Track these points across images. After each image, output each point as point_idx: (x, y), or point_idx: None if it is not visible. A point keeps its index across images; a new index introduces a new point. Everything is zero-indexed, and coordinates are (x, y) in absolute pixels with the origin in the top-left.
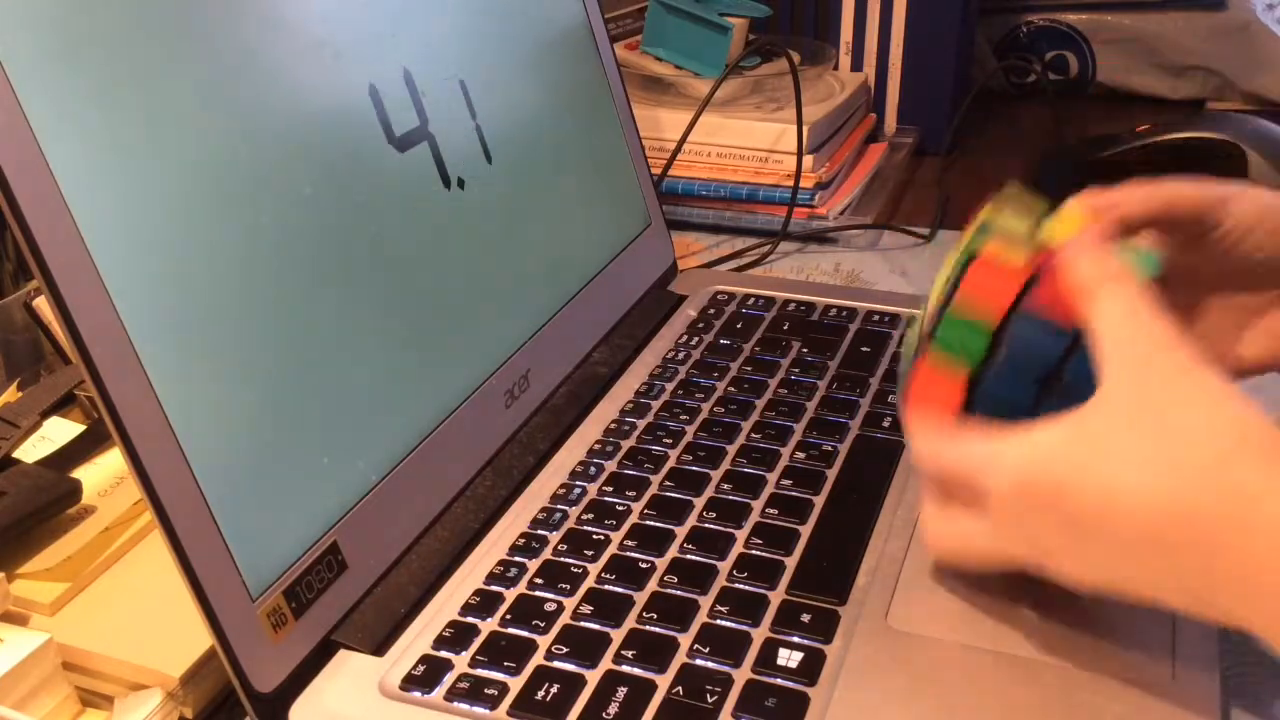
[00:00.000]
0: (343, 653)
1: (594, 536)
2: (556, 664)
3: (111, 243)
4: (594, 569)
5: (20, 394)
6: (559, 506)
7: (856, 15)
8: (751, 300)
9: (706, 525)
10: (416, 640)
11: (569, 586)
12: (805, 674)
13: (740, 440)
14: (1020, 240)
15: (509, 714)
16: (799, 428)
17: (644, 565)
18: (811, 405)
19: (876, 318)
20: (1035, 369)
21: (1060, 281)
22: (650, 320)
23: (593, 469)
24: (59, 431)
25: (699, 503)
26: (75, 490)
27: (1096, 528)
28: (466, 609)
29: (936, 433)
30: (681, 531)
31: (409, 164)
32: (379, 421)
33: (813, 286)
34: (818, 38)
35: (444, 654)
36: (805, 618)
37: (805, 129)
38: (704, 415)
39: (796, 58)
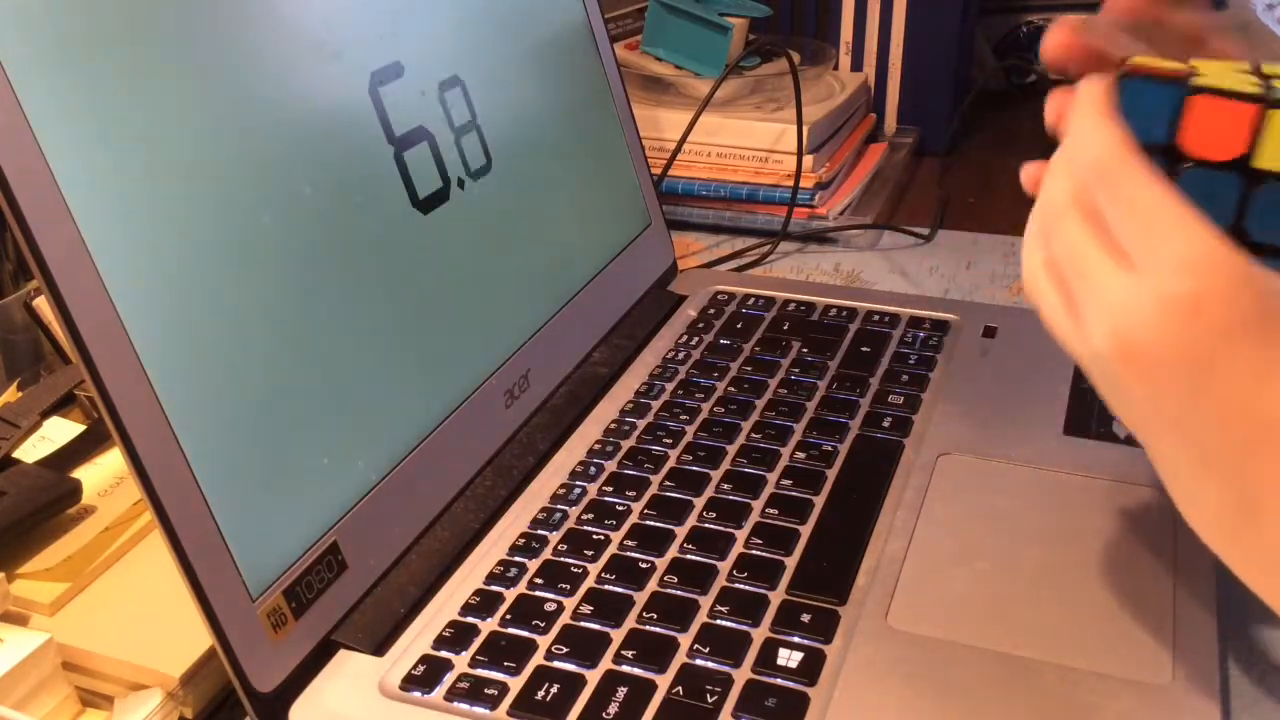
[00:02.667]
0: (343, 653)
1: (594, 536)
2: (556, 664)
3: (111, 243)
4: (594, 569)
5: (20, 394)
6: (559, 506)
7: (856, 15)
8: (751, 300)
9: (706, 525)
10: (416, 640)
11: (569, 586)
12: (805, 674)
13: (740, 440)
14: None
15: (509, 714)
16: (799, 428)
17: (644, 565)
18: (811, 405)
19: (876, 318)
20: None
21: None
22: (650, 320)
23: (593, 469)
24: (59, 431)
25: (699, 503)
26: (75, 490)
27: (1224, 400)
28: (466, 609)
29: (1136, 153)
30: (681, 531)
31: (408, 164)
32: (379, 421)
33: (813, 286)
34: (818, 38)
35: (444, 654)
36: (805, 618)
37: (805, 129)
38: (704, 415)
39: (796, 58)
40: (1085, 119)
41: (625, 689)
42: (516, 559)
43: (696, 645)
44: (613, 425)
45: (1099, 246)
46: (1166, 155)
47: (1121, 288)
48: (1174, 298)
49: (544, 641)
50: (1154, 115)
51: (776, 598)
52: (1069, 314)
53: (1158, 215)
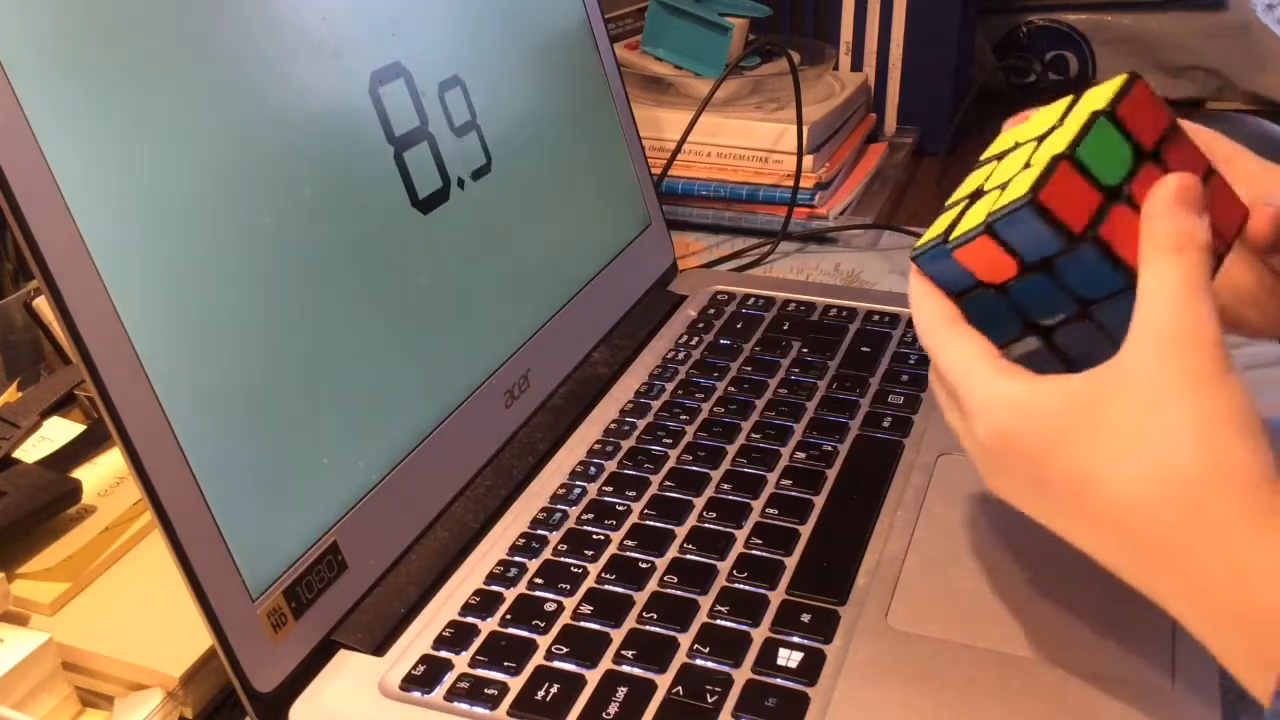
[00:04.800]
0: (343, 653)
1: (594, 536)
2: (556, 664)
3: (111, 243)
4: (594, 569)
5: (20, 394)
6: (559, 506)
7: (856, 15)
8: (751, 300)
9: (706, 525)
10: (416, 640)
11: (569, 586)
12: (805, 674)
13: (740, 440)
14: (1116, 159)
15: (509, 714)
16: (799, 428)
17: (644, 565)
18: (811, 405)
19: (876, 318)
20: (1080, 293)
21: (1136, 225)
22: (650, 320)
23: (593, 469)
24: (59, 431)
25: (699, 503)
26: (75, 490)
27: (1068, 500)
28: (466, 609)
29: (946, 321)
30: (681, 531)
31: (408, 164)
32: (379, 421)
33: (813, 286)
34: (818, 38)
35: (444, 654)
36: (805, 618)
37: (805, 129)
38: (704, 415)
39: (796, 58)
40: (912, 292)
41: (625, 689)
42: (516, 559)
43: (696, 645)
44: (613, 425)
45: (945, 391)
46: (984, 285)
47: (964, 424)
48: (985, 440)
49: (544, 641)
50: (949, 274)
51: (776, 598)
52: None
53: (959, 374)
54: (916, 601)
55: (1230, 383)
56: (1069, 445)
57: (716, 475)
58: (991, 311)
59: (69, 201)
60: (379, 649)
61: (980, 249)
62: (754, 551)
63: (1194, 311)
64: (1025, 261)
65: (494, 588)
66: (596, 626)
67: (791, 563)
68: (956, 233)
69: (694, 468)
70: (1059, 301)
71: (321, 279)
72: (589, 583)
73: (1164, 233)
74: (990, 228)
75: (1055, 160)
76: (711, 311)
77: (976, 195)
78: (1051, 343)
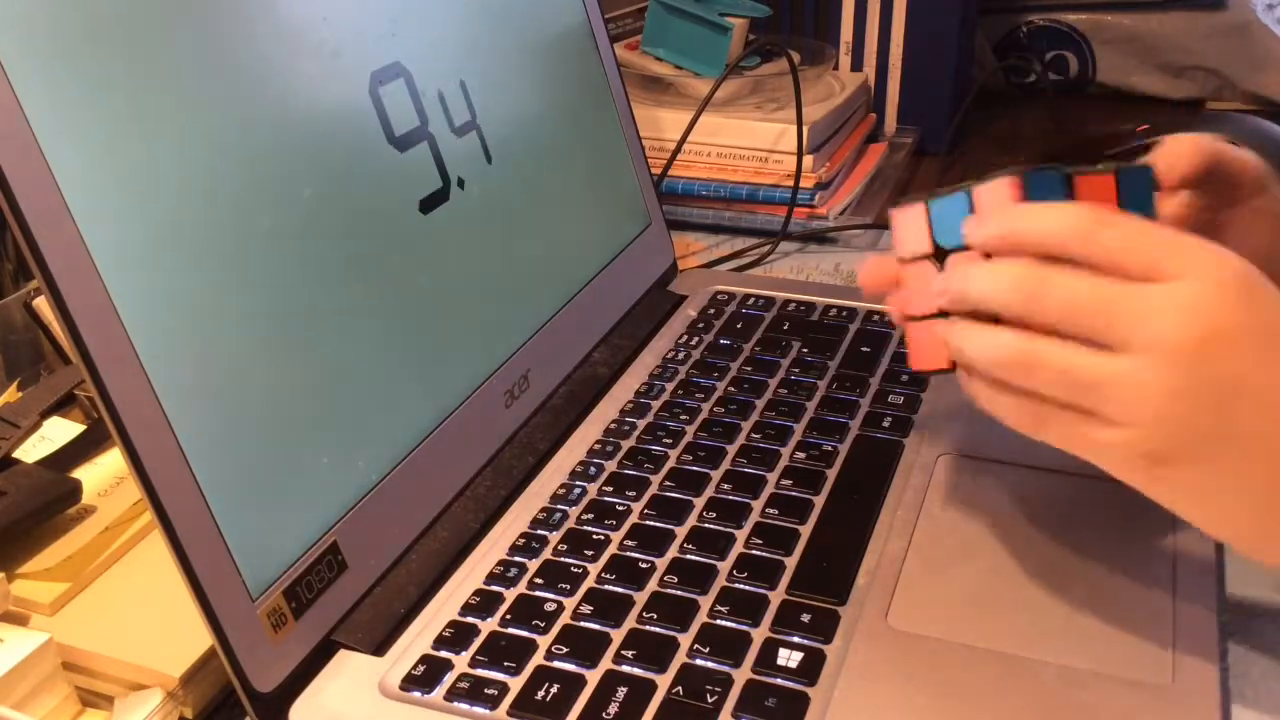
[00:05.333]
0: (343, 653)
1: (594, 536)
2: (556, 664)
3: (111, 243)
4: (594, 569)
5: (20, 394)
6: (559, 506)
7: (856, 15)
8: (751, 300)
9: (706, 525)
10: (416, 640)
11: (569, 586)
12: (805, 674)
13: (740, 440)
14: None
15: (509, 714)
16: (799, 428)
17: (644, 565)
18: (811, 405)
19: (876, 318)
20: None
21: None
22: (650, 320)
23: (593, 469)
24: (59, 431)
25: (699, 503)
26: (75, 490)
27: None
28: (466, 609)
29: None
30: (681, 531)
31: (408, 164)
32: (379, 421)
33: (813, 286)
34: (818, 38)
35: (444, 654)
36: (805, 618)
37: (805, 129)
38: (704, 415)
39: (796, 58)
40: (1024, 215)
41: (625, 689)
42: (516, 559)
43: (696, 645)
44: (613, 425)
45: (1114, 285)
46: None
47: (1166, 294)
48: (1228, 280)
49: (544, 641)
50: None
51: (776, 598)
52: (1084, 418)
53: (1164, 234)
54: (916, 601)
55: None
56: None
57: (716, 475)
58: None
59: (69, 201)
60: (379, 649)
61: (1097, 186)
62: (754, 551)
63: None
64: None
65: (494, 588)
66: (596, 626)
67: (791, 563)
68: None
69: (694, 468)
70: None
71: (322, 279)
72: (589, 583)
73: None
74: (1118, 171)
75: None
76: (711, 311)
77: None
78: None
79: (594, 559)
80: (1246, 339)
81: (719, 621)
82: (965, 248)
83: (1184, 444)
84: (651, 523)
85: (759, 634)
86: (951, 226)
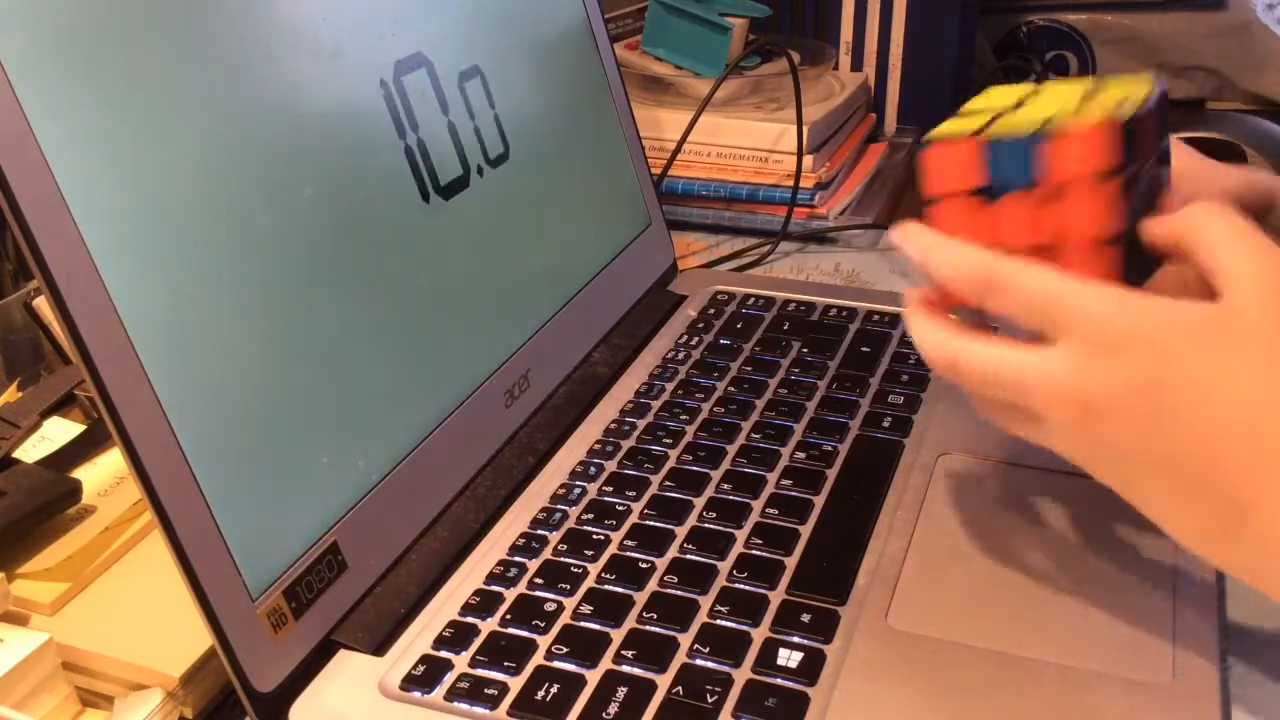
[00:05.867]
0: (343, 653)
1: (594, 536)
2: (556, 664)
3: (111, 243)
4: (594, 569)
5: (20, 394)
6: (559, 506)
7: (856, 15)
8: (751, 300)
9: (706, 525)
10: (416, 640)
11: (569, 586)
12: (805, 674)
13: (740, 440)
14: None
15: (509, 714)
16: (799, 428)
17: (644, 565)
18: (811, 405)
19: (876, 318)
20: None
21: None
22: (650, 320)
23: (593, 469)
24: (59, 431)
25: (699, 503)
26: (75, 490)
27: (1186, 404)
28: (466, 609)
29: (993, 258)
30: (681, 531)
31: (427, 153)
32: (379, 421)
33: (813, 286)
34: (818, 38)
35: (444, 654)
36: (805, 618)
37: (805, 129)
38: (704, 415)
39: (796, 58)
40: (938, 243)
41: (625, 689)
42: (516, 559)
43: (696, 645)
44: (613, 425)
45: (1008, 346)
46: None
47: (1048, 362)
48: (1096, 345)
49: (544, 641)
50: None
51: (776, 598)
52: (1026, 421)
53: (1055, 289)
54: (916, 601)
55: None
56: (1191, 354)
57: (716, 475)
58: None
59: (69, 201)
60: (379, 649)
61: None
62: (754, 551)
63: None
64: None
65: (494, 588)
66: (596, 626)
67: (791, 563)
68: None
69: (694, 468)
70: None
71: (323, 279)
72: (589, 583)
73: (1234, 225)
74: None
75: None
76: (711, 311)
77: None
78: None
79: (594, 559)
80: (1122, 414)
81: (719, 621)
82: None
83: (1097, 467)
84: (651, 523)
85: (759, 634)
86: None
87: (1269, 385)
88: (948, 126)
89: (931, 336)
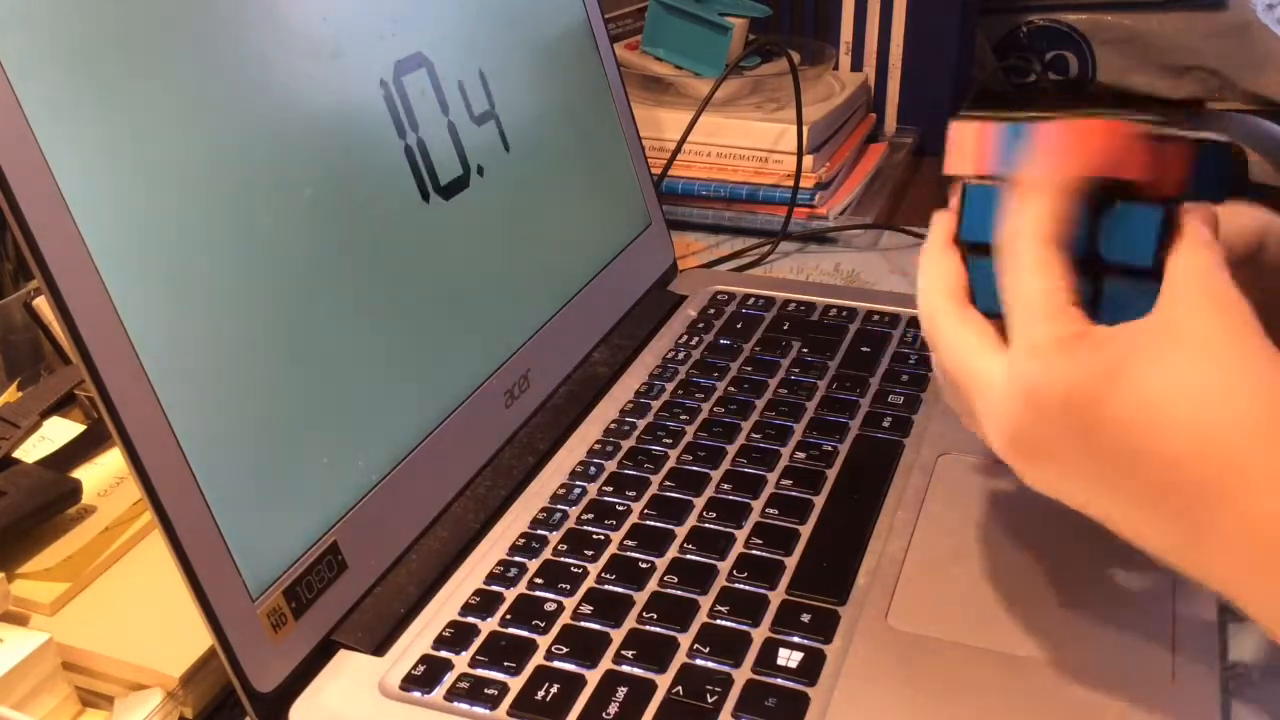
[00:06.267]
0: (343, 653)
1: (594, 536)
2: (556, 664)
3: (111, 243)
4: (594, 569)
5: (20, 394)
6: (559, 506)
7: (856, 15)
8: (751, 300)
9: (706, 525)
10: (416, 640)
11: (569, 586)
12: (805, 674)
13: (740, 440)
14: None
15: (509, 714)
16: (799, 428)
17: (644, 565)
18: (811, 405)
19: (876, 318)
20: (1106, 248)
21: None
22: (650, 320)
23: (593, 469)
24: (59, 431)
25: (699, 503)
26: (75, 490)
27: (1124, 430)
28: (466, 609)
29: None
30: (681, 531)
31: (428, 153)
32: (379, 421)
33: (813, 286)
34: (818, 38)
35: (444, 654)
36: (805, 618)
37: (805, 129)
38: (704, 415)
39: (796, 58)
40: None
41: (625, 689)
42: (516, 559)
43: (696, 645)
44: (613, 425)
45: (985, 346)
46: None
47: (1000, 385)
48: (1001, 418)
49: (544, 641)
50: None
51: (776, 598)
52: (972, 423)
53: (956, 357)
54: (916, 601)
55: (1268, 341)
56: (1130, 375)
57: (716, 475)
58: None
59: (69, 201)
60: (379, 649)
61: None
62: (754, 551)
63: (1230, 283)
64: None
65: (494, 588)
66: (596, 626)
67: (791, 563)
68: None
69: (694, 468)
70: (1078, 242)
71: (323, 279)
72: (589, 583)
73: (1195, 234)
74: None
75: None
76: (711, 311)
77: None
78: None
79: (594, 559)
80: (1058, 445)
81: (719, 621)
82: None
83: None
84: (651, 523)
85: (759, 634)
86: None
87: (1211, 402)
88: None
89: (928, 295)
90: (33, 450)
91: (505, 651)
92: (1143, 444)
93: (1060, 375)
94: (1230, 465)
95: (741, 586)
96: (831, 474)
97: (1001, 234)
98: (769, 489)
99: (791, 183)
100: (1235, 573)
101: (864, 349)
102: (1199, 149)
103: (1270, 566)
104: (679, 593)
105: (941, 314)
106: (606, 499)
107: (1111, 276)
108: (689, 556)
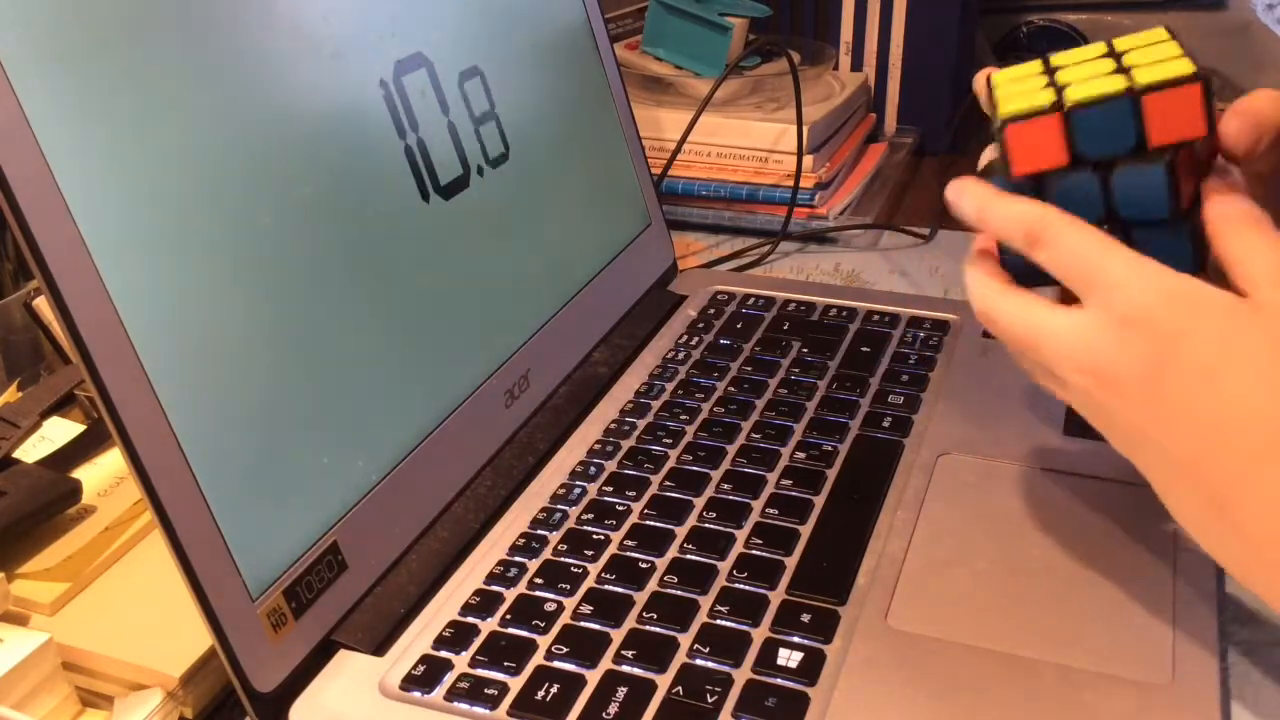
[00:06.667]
0: (343, 653)
1: (594, 536)
2: (556, 664)
3: (111, 243)
4: (594, 569)
5: (20, 394)
6: (559, 506)
7: (856, 15)
8: (751, 300)
9: (706, 525)
10: (416, 640)
11: (569, 586)
12: (805, 674)
13: (740, 440)
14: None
15: (509, 714)
16: (799, 428)
17: (644, 565)
18: (811, 405)
19: (876, 318)
20: (1124, 209)
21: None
22: (650, 320)
23: (593, 469)
24: (59, 431)
25: (699, 503)
26: (75, 490)
27: (1184, 391)
28: (466, 609)
29: (1059, 212)
30: (681, 531)
31: (428, 153)
32: (379, 421)
33: (813, 286)
34: (818, 38)
35: (444, 654)
36: (805, 618)
37: (805, 129)
38: (704, 415)
39: (796, 58)
40: (997, 199)
41: (625, 689)
42: (516, 559)
43: (696, 645)
44: (613, 425)
45: (1042, 305)
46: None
47: (1071, 327)
48: (1117, 317)
49: (544, 641)
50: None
51: (776, 598)
52: (1049, 378)
53: (1097, 251)
54: (916, 601)
55: None
56: (1204, 338)
57: (716, 475)
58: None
59: (69, 201)
60: (379, 649)
61: (1042, 130)
62: (754, 551)
63: None
64: (1085, 156)
65: (494, 588)
66: (596, 626)
67: (791, 563)
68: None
69: (694, 468)
70: (1093, 208)
71: (324, 279)
72: (589, 583)
73: (1246, 213)
74: (1071, 110)
75: (1176, 80)
76: (711, 311)
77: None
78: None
79: (594, 559)
80: (1128, 385)
81: (719, 621)
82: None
83: (1105, 432)
84: (651, 523)
85: (759, 634)
86: (1109, 135)
87: (1272, 376)
88: (1014, 105)
89: (977, 287)
90: (33, 450)
91: (505, 651)
92: (1197, 396)
93: (1158, 316)
94: (1271, 442)
95: (741, 586)
96: (831, 474)
97: (1014, 219)
98: (769, 489)
99: (791, 183)
100: (1257, 547)
101: (864, 349)
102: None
103: None
104: (679, 593)
105: (993, 292)
106: (606, 499)
107: (1138, 229)
108: (689, 556)
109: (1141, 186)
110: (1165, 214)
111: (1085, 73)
